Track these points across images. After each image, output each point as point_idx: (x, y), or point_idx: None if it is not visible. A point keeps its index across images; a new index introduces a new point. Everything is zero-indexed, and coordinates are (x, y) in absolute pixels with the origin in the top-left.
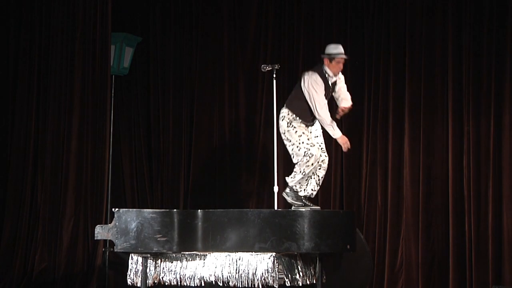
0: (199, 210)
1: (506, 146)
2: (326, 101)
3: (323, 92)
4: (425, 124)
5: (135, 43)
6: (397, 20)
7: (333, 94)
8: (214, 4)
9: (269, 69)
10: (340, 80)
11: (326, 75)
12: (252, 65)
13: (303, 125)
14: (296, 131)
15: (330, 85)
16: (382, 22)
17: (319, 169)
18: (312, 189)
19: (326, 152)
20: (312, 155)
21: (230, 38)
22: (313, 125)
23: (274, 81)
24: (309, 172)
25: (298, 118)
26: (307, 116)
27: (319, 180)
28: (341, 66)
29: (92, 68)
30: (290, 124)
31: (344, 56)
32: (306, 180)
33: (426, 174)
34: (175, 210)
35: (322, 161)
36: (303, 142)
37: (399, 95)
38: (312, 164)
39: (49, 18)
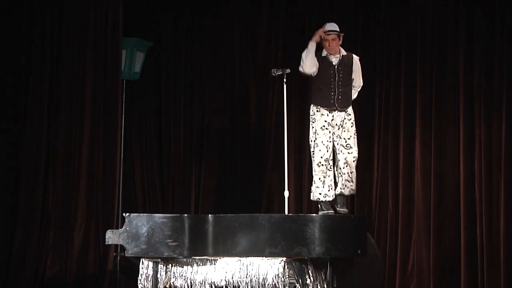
0: (209, 215)
1: None
2: (312, 61)
3: (313, 60)
4: (436, 128)
5: (146, 48)
6: (408, 23)
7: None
8: (225, 9)
9: (279, 73)
10: (355, 65)
11: (326, 55)
12: (263, 69)
13: (325, 114)
14: (313, 127)
15: (334, 64)
16: (393, 25)
17: (330, 170)
18: (320, 194)
19: (344, 151)
20: (315, 156)
21: (241, 42)
22: (336, 110)
23: (285, 85)
24: (316, 174)
25: (318, 106)
26: (324, 99)
27: (328, 182)
28: (331, 43)
29: (104, 73)
30: (313, 118)
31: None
32: (315, 182)
33: (438, 178)
34: (185, 214)
35: (325, 159)
36: (313, 140)
37: (410, 99)
38: (318, 166)
39: (61, 24)
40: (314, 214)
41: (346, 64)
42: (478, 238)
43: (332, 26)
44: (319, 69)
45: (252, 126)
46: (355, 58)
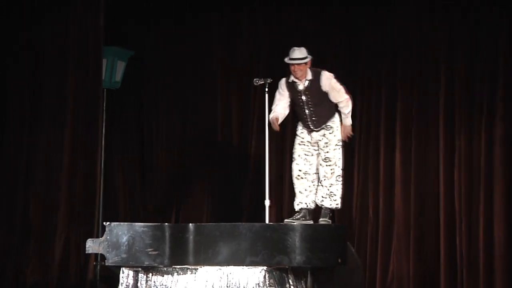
0: (190, 224)
1: (497, 160)
2: (277, 105)
3: (281, 95)
4: (416, 139)
5: (127, 57)
6: (389, 36)
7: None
8: (206, 18)
9: (261, 83)
10: (324, 84)
11: (293, 80)
12: (244, 79)
13: (305, 132)
14: (294, 142)
15: (300, 90)
16: (375, 38)
17: (313, 182)
18: (296, 202)
19: (323, 164)
20: (293, 169)
21: (223, 52)
22: (315, 130)
23: (267, 95)
24: (296, 187)
25: (299, 123)
26: (301, 120)
27: (303, 191)
28: (295, 71)
29: (84, 82)
30: (296, 135)
31: (287, 61)
32: (296, 195)
33: (418, 188)
34: (166, 223)
35: (304, 172)
36: (292, 155)
37: (390, 110)
38: (296, 179)
39: (41, 31)
40: (295, 223)
41: (313, 86)
42: (458, 248)
43: (298, 53)
44: (290, 94)
45: (233, 134)
46: (323, 76)
